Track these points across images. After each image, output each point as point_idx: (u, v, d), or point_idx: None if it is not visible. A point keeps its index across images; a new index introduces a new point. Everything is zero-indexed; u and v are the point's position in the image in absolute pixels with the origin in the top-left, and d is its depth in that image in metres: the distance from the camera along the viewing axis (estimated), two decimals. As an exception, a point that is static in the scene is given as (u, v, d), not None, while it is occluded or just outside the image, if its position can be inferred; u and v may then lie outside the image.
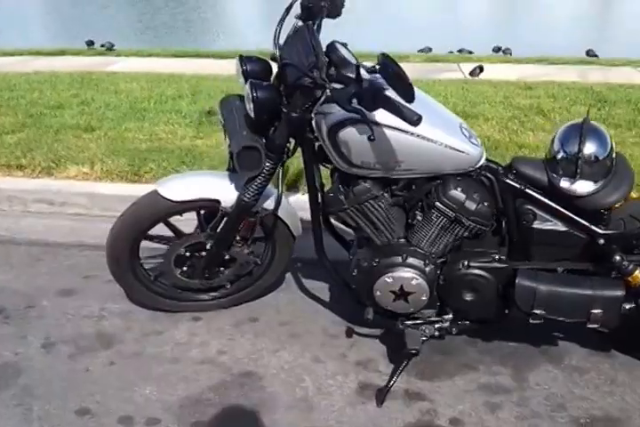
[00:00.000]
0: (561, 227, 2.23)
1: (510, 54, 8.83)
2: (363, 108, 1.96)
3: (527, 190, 2.23)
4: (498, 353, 2.54)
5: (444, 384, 2.40)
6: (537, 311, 2.22)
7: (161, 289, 2.72)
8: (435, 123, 2.14)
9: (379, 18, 13.65)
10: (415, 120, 1.86)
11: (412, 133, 2.10)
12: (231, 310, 2.81)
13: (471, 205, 2.18)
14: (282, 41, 2.26)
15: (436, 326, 2.39)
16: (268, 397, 2.34)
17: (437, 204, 2.20)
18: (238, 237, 2.52)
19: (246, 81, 2.22)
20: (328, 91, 2.03)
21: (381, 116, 2.05)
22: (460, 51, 9.15)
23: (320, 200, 2.35)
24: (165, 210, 2.46)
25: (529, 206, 2.23)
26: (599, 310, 2.19)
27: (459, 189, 2.18)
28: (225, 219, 2.45)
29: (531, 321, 2.27)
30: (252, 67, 2.28)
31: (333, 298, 2.90)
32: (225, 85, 5.36)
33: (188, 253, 2.58)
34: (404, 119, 1.88)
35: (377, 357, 2.54)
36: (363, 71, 2.03)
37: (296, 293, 2.95)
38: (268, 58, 2.30)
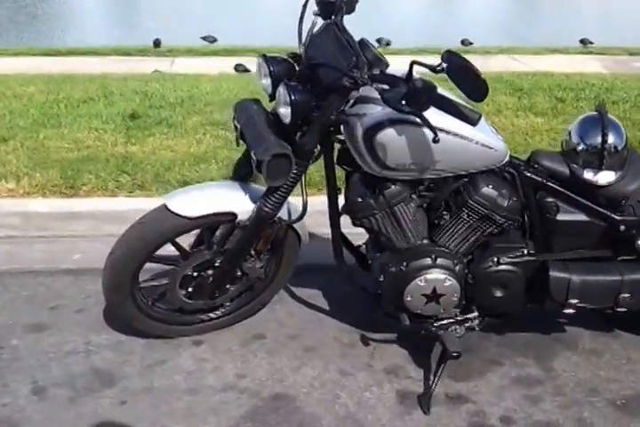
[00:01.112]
0: (583, 217, 2.26)
1: (389, 45, 8.99)
2: (407, 109, 1.87)
3: (549, 183, 2.25)
4: (516, 345, 2.56)
5: (480, 383, 2.38)
6: (572, 301, 2.26)
7: (159, 314, 2.48)
8: None
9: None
10: (477, 119, 1.80)
11: (449, 132, 2.04)
12: (232, 330, 2.62)
13: (503, 202, 2.16)
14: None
15: (466, 325, 2.36)
16: (310, 418, 2.21)
17: (470, 202, 2.16)
18: (252, 251, 2.35)
19: (274, 83, 2.06)
20: (358, 91, 1.96)
21: (432, 118, 1.97)
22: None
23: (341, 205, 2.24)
24: (177, 228, 2.24)
25: (551, 199, 2.25)
26: (627, 294, 2.27)
27: (490, 186, 2.16)
28: (241, 232, 2.26)
29: (564, 311, 2.31)
30: (278, 67, 2.11)
31: (332, 305, 2.79)
32: (133, 85, 5.02)
33: (195, 273, 2.37)
34: (463, 118, 1.81)
35: (403, 362, 2.47)
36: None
37: (292, 303, 2.81)
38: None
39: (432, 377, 2.32)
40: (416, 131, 2.01)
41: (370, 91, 1.97)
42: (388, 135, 2.02)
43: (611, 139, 2.21)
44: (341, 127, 2.11)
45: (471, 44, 9.00)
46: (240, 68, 6.02)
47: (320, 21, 2.11)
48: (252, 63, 5.91)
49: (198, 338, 2.57)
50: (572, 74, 6.12)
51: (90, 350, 2.50)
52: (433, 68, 1.78)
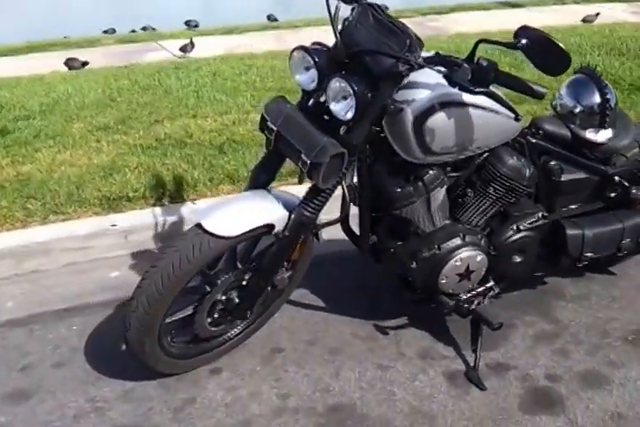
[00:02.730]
0: (583, 174, 2.39)
1: (197, 26, 8.71)
2: (477, 88, 1.81)
3: (553, 147, 2.33)
4: (517, 306, 2.65)
5: (508, 348, 2.44)
6: (587, 254, 2.39)
7: (178, 350, 2.22)
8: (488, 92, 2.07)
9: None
10: (543, 93, 1.79)
11: (485, 108, 2.02)
12: (244, 349, 2.42)
13: (525, 172, 2.21)
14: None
15: (489, 295, 2.41)
16: (381, 421, 2.13)
17: (499, 176, 2.18)
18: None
19: (322, 74, 1.90)
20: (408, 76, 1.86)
21: (466, 95, 1.94)
22: (144, 28, 8.74)
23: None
24: (217, 250, 1.99)
25: (554, 162, 2.34)
26: (628, 239, 2.46)
27: (514, 157, 2.19)
28: (279, 243, 2.07)
29: (578, 265, 2.44)
30: (321, 59, 1.93)
31: (330, 302, 2.69)
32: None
33: (224, 297, 2.14)
34: (530, 93, 1.80)
35: (430, 344, 2.46)
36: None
37: (289, 308, 2.64)
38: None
39: (473, 353, 2.35)
40: (462, 112, 1.97)
41: (413, 75, 1.89)
42: (439, 120, 1.96)
43: (604, 98, 2.33)
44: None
45: (276, 20, 8.99)
46: (75, 64, 5.43)
47: (343, 6, 1.96)
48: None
49: (214, 366, 2.35)
50: None
51: (100, 408, 2.18)
52: (512, 45, 1.73)
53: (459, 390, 2.26)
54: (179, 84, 4.59)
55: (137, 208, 3.20)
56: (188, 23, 8.66)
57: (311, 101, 1.99)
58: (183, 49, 6.12)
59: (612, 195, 2.44)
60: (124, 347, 2.08)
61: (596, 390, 2.25)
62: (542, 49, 1.69)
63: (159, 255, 2.05)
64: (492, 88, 1.92)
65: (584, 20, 7.04)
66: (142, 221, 3.13)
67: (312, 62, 1.94)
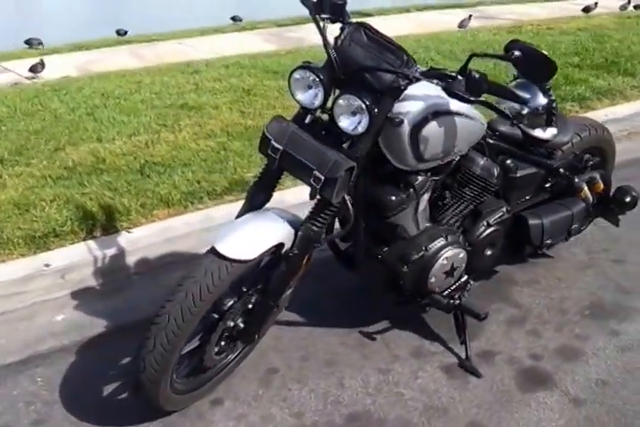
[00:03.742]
0: (534, 169, 2.58)
1: (41, 44, 8.18)
2: (474, 98, 1.91)
3: (507, 146, 2.50)
4: (480, 296, 2.75)
5: (488, 336, 2.58)
6: (547, 241, 2.60)
7: (182, 386, 2.12)
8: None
9: None
10: (527, 98, 1.93)
11: (463, 115, 2.14)
12: (237, 376, 2.35)
13: (494, 171, 2.36)
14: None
15: (467, 288, 2.53)
16: (399, 422, 2.17)
17: (475, 177, 2.31)
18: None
19: (328, 90, 1.92)
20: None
21: (453, 104, 2.07)
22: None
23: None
24: (235, 276, 1.92)
25: (510, 160, 2.52)
26: (576, 224, 2.70)
27: (484, 158, 2.33)
28: (287, 261, 2.05)
29: (539, 251, 2.63)
30: (323, 76, 1.93)
31: (306, 316, 2.69)
32: None
33: (232, 323, 2.08)
34: (516, 99, 1.93)
35: (419, 342, 2.55)
36: None
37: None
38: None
39: (462, 344, 2.46)
40: (449, 120, 2.08)
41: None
42: (432, 129, 2.05)
43: (549, 99, 2.53)
44: None
45: (126, 32, 8.68)
46: None
47: (331, 26, 1.99)
48: None
49: (213, 397, 2.27)
50: (257, 54, 6.14)
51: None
52: (507, 57, 1.85)
53: (459, 380, 2.36)
54: (66, 107, 4.33)
55: (68, 244, 2.99)
56: (29, 42, 8.11)
57: (308, 118, 2.00)
58: (33, 69, 5.71)
59: (558, 185, 2.66)
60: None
61: (575, 362, 2.45)
62: (532, 59, 1.85)
63: (174, 288, 1.95)
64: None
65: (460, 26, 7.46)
66: (78, 257, 2.93)
67: (317, 80, 1.95)
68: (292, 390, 2.31)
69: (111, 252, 2.96)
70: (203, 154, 3.76)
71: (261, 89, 4.87)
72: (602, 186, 2.75)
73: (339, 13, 1.98)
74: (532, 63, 1.86)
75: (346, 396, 2.29)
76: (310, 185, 1.94)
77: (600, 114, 4.53)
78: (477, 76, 1.87)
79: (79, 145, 3.78)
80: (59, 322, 2.67)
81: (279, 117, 2.04)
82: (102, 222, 3.10)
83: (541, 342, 2.55)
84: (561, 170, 2.61)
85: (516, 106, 2.52)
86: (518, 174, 2.53)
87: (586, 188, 2.67)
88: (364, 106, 1.89)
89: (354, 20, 2.04)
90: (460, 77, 1.88)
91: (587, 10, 8.42)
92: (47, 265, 2.87)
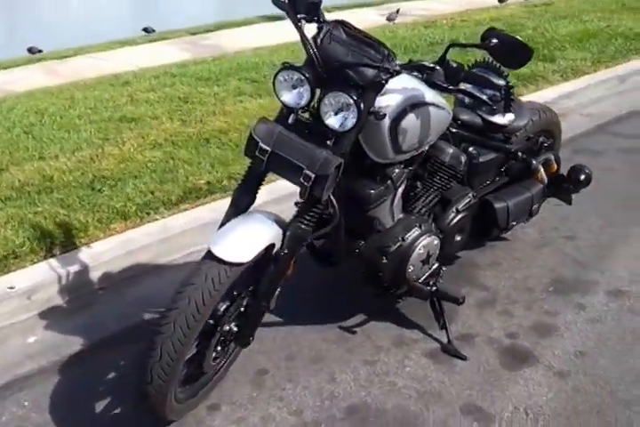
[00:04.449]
0: (494, 154, 2.68)
1: None
2: (453, 87, 1.98)
3: (469, 134, 2.58)
4: (448, 281, 2.82)
5: (464, 320, 2.67)
6: (512, 223, 2.70)
7: (181, 394, 2.10)
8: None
9: None
10: (503, 85, 2.01)
11: (435, 104, 2.21)
12: (228, 380, 2.34)
13: (462, 158, 2.44)
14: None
15: (440, 275, 2.60)
16: (399, 410, 2.22)
17: (445, 165, 2.38)
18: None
19: (314, 89, 1.95)
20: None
21: (427, 95, 2.14)
22: None
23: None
24: (233, 279, 1.91)
25: (472, 147, 2.60)
26: (536, 205, 2.82)
27: (451, 147, 2.41)
28: (277, 261, 2.05)
29: (503, 234, 2.73)
30: (310, 74, 1.94)
31: (283, 315, 2.69)
32: None
33: (227, 328, 2.07)
34: (492, 87, 2.02)
35: (398, 332, 2.60)
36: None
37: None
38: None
39: (442, 329, 2.54)
40: (425, 111, 2.14)
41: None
42: (410, 121, 2.11)
43: (508, 85, 2.62)
44: None
45: (40, 50, 8.41)
46: None
47: (307, 25, 2.00)
48: None
49: (208, 403, 2.26)
50: (170, 65, 5.91)
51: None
52: (485, 46, 1.91)
53: (445, 365, 2.43)
54: (1, 127, 4.17)
55: (29, 264, 2.90)
56: None
57: (291, 118, 2.02)
58: None
59: (515, 168, 2.78)
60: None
61: (551, 337, 2.56)
62: (509, 47, 1.92)
63: (173, 297, 1.93)
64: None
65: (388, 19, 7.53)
66: (41, 276, 2.84)
67: (303, 79, 1.96)
68: (285, 390, 2.32)
69: (74, 269, 2.89)
70: (151, 165, 3.70)
71: (197, 96, 4.83)
72: (555, 167, 2.89)
73: (314, 13, 2.00)
74: (509, 50, 1.92)
75: (340, 390, 2.31)
76: (299, 184, 1.96)
77: (528, 100, 4.72)
78: (455, 65, 1.95)
79: (23, 164, 3.65)
80: (32, 344, 2.59)
81: (264, 119, 2.05)
82: (61, 240, 3.01)
83: (515, 321, 2.66)
84: (519, 153, 2.72)
85: (475, 93, 2.60)
86: (481, 160, 2.62)
87: (542, 169, 2.80)
88: (352, 101, 1.91)
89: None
90: (438, 68, 1.94)
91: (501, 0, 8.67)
92: (11, 287, 2.77)
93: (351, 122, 1.94)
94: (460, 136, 2.55)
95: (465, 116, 2.57)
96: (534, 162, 2.75)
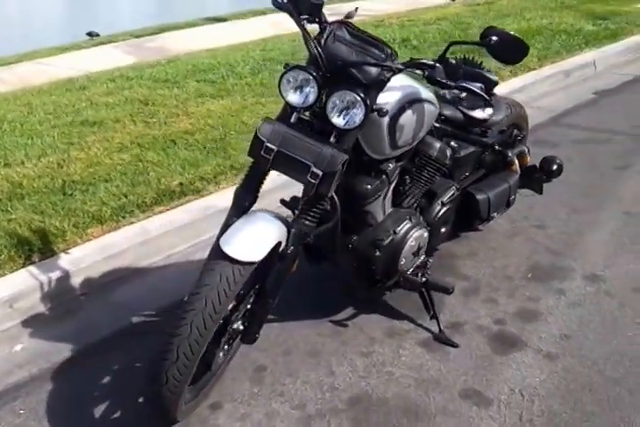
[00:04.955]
0: (473, 148, 2.75)
1: None
2: (453, 84, 2.04)
3: (451, 128, 2.65)
4: (437, 267, 2.90)
5: (451, 308, 2.74)
6: (493, 214, 2.78)
7: (188, 394, 2.09)
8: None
9: None
10: (497, 81, 2.09)
11: (427, 100, 2.28)
12: (228, 378, 2.35)
13: (448, 152, 2.51)
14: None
15: (427, 266, 2.66)
16: (400, 398, 2.26)
17: (433, 160, 2.44)
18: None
19: (321, 88, 1.96)
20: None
21: (422, 92, 2.21)
22: None
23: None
24: (246, 277, 1.92)
25: (453, 141, 2.67)
26: (513, 196, 2.91)
27: (438, 142, 2.47)
28: (283, 259, 2.07)
29: (484, 225, 2.82)
30: (316, 73, 1.96)
31: (274, 312, 2.71)
32: None
33: (235, 326, 2.08)
34: (489, 82, 2.09)
35: (389, 323, 2.65)
36: None
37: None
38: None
39: (432, 319, 2.59)
40: (420, 106, 2.21)
41: None
42: (407, 117, 2.17)
43: (490, 81, 2.70)
44: None
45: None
46: None
47: (310, 25, 2.03)
48: None
49: (210, 402, 2.26)
50: (125, 67, 5.83)
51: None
52: (485, 44, 1.98)
53: (439, 353, 2.49)
54: (-40, 136, 4.05)
55: (8, 272, 2.84)
56: None
57: (294, 117, 2.04)
58: None
59: (491, 160, 2.87)
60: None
61: (536, 322, 2.65)
62: (509, 44, 1.99)
63: (186, 298, 1.93)
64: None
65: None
66: (22, 284, 2.78)
67: (311, 79, 1.97)
68: (286, 385, 2.34)
69: (54, 275, 2.84)
70: (120, 168, 3.66)
71: (157, 99, 4.79)
72: (528, 158, 2.99)
73: (316, 13, 2.03)
74: (508, 47, 2.01)
75: (339, 382, 2.35)
76: (305, 182, 1.98)
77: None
78: (454, 62, 2.01)
79: (-12, 172, 3.56)
80: (19, 352, 2.53)
81: (268, 119, 2.05)
82: (39, 247, 2.95)
83: (500, 308, 2.74)
84: (496, 146, 2.81)
85: (455, 91, 2.68)
86: (462, 154, 2.70)
87: (516, 161, 2.89)
88: (359, 99, 1.95)
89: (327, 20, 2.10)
90: (438, 66, 2.00)
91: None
92: (-8, 296, 2.71)
93: (359, 119, 1.97)
94: (443, 131, 2.62)
95: (447, 112, 2.64)
96: (510, 154, 2.84)
